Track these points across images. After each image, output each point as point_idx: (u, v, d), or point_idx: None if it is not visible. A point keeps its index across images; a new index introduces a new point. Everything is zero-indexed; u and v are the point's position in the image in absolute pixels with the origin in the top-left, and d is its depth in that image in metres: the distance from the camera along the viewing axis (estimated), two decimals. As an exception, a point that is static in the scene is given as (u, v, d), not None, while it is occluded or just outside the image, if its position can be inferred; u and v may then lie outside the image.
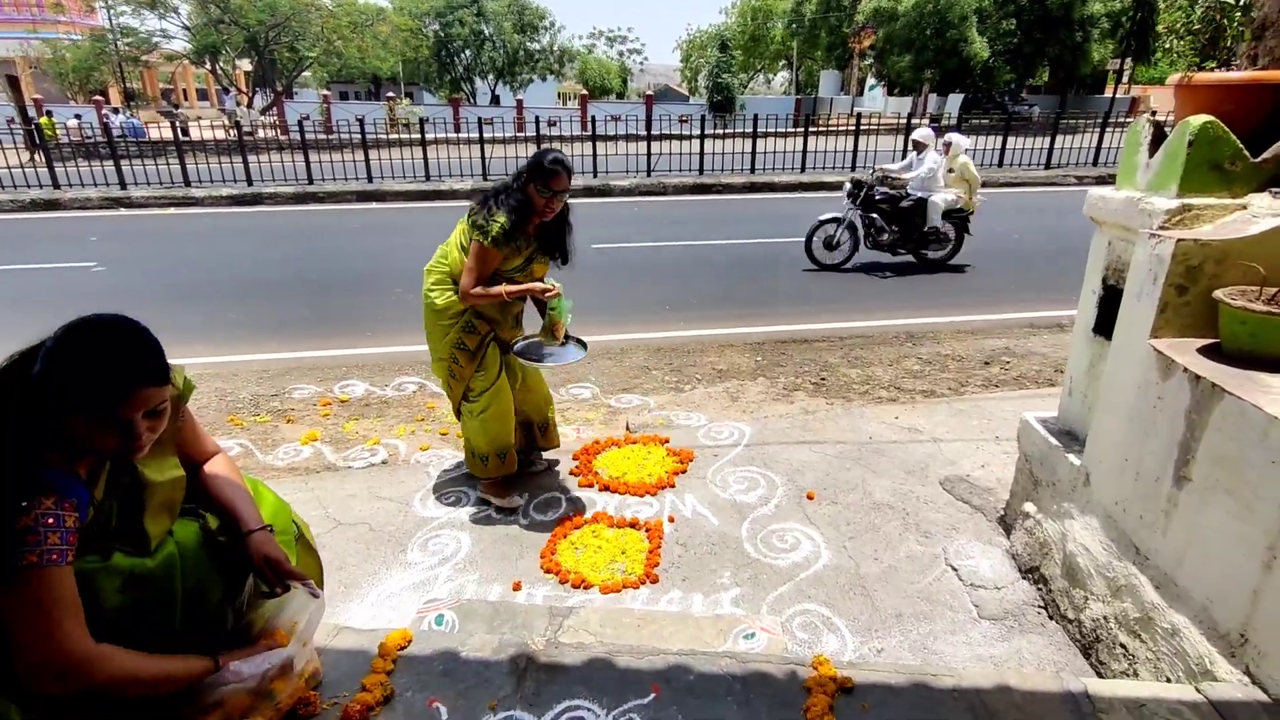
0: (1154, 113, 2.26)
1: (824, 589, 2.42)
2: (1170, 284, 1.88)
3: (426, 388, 4.32)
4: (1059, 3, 24.49)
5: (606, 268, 7.21)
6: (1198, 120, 1.91)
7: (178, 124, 14.42)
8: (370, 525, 2.78)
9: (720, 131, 14.69)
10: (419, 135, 12.63)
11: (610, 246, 8.16)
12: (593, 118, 13.23)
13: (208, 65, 27.33)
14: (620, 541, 2.64)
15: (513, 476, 2.95)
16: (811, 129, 13.51)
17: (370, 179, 12.07)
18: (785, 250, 8.09)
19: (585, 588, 2.40)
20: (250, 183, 11.68)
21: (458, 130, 16.61)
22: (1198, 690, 1.57)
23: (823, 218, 7.23)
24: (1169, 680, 1.75)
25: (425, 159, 12.36)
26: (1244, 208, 1.92)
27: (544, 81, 39.84)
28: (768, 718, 1.45)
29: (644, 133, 12.80)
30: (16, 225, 10.09)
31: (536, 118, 13.39)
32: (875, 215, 7.28)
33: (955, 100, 25.11)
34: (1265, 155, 1.93)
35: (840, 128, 14.82)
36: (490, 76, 37.57)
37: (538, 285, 2.66)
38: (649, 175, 12.55)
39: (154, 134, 13.75)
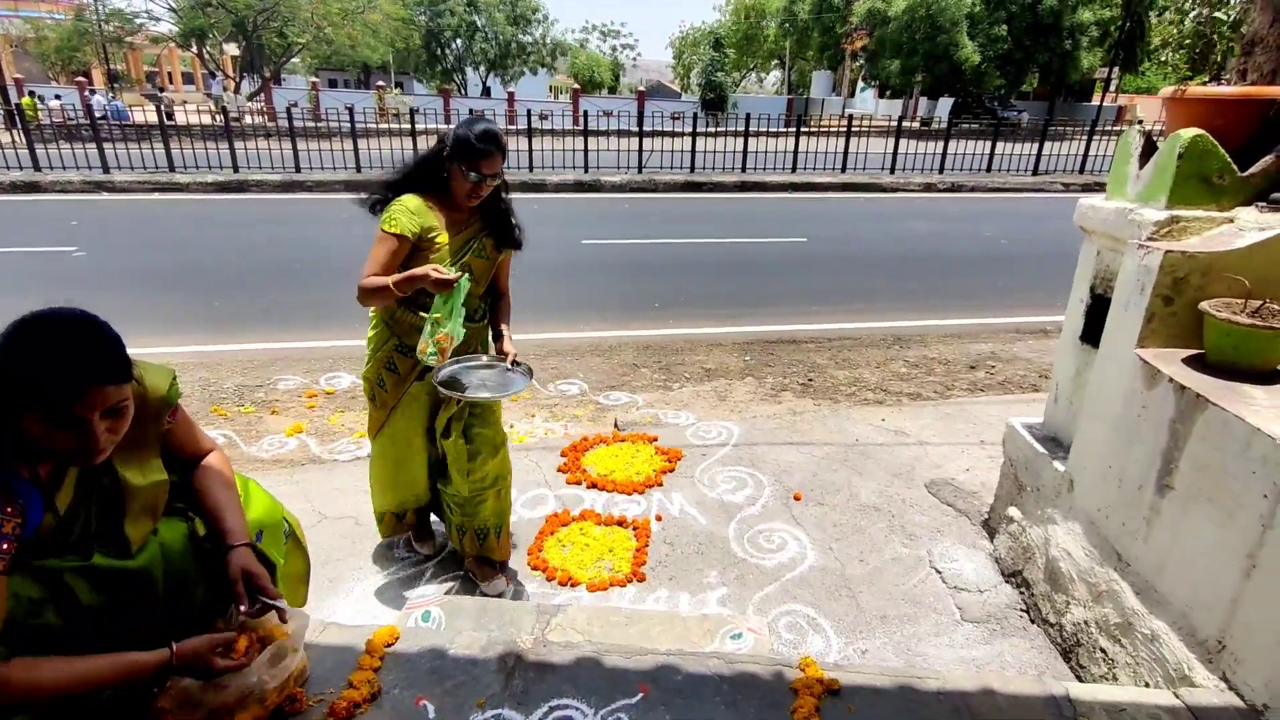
0: (1140, 122, 2.29)
1: (810, 590, 2.43)
2: (1157, 294, 1.91)
3: (414, 381, 4.29)
4: (1049, 9, 24.71)
5: (596, 264, 7.20)
6: (1188, 133, 1.94)
7: (162, 108, 14.19)
8: (356, 520, 2.76)
9: (712, 130, 14.69)
10: (409, 126, 12.52)
11: (600, 243, 8.14)
12: (585, 112, 13.20)
13: (194, 49, 26.93)
14: (608, 539, 2.64)
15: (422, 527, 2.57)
16: (803, 129, 13.55)
17: (359, 169, 11.95)
18: (775, 250, 8.12)
19: (572, 585, 2.40)
20: (236, 169, 11.53)
21: (448, 121, 16.51)
22: (1176, 696, 1.60)
23: None
24: (1148, 685, 1.78)
25: (415, 150, 12.23)
26: (1231, 221, 1.95)
27: (535, 75, 39.63)
28: (754, 719, 1.46)
29: (636, 129, 12.78)
30: (-5, 207, 9.90)
31: (528, 111, 13.32)
32: None
33: (945, 104, 25.30)
34: (1252, 170, 1.96)
35: (832, 129, 14.88)
36: (482, 68, 37.32)
37: (427, 268, 1.95)
38: (640, 172, 12.54)
39: (138, 117, 13.52)
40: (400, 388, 2.23)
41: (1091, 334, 2.28)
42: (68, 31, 24.81)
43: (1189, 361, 1.87)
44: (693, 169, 12.78)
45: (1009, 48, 25.13)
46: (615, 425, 3.73)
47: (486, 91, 36.28)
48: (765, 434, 3.54)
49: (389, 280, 1.98)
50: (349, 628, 1.69)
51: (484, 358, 2.25)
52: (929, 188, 12.45)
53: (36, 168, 11.22)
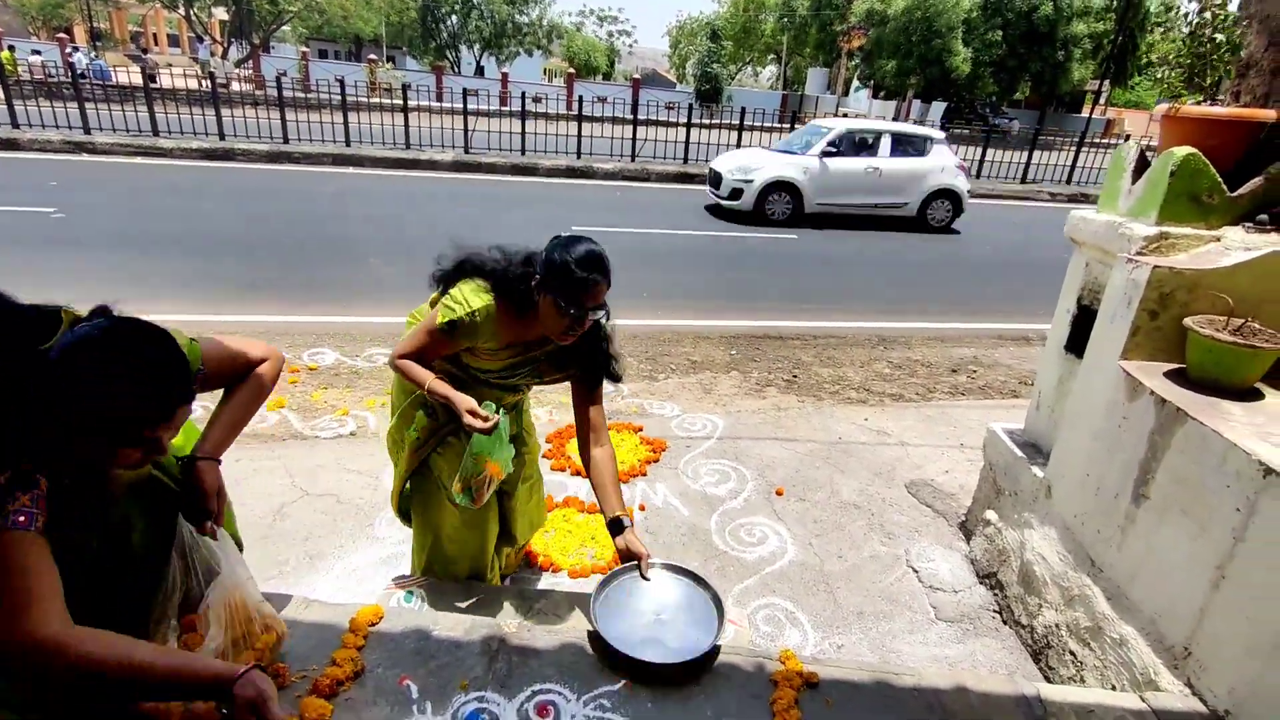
0: (1128, 136, 2.33)
1: (788, 584, 2.46)
2: (1143, 308, 1.95)
3: (399, 361, 4.25)
4: (1045, 19, 24.90)
5: (586, 251, 7.17)
6: (1181, 151, 1.97)
7: (146, 69, 13.86)
8: (338, 497, 2.74)
9: (706, 122, 14.65)
10: (400, 101, 12.35)
11: (589, 229, 8.11)
12: (579, 97, 13.09)
13: (181, 10, 26.28)
14: (590, 527, 2.65)
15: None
16: (797, 125, 13.56)
17: (348, 142, 11.78)
18: (766, 246, 8.14)
19: (554, 571, 2.41)
20: (222, 137, 11.31)
21: (440, 99, 16.30)
22: (1142, 699, 1.65)
23: None
24: (1114, 688, 1.83)
25: (406, 126, 12.10)
26: (1218, 239, 1.99)
27: (530, 56, 39.19)
28: (735, 709, 1.48)
29: (630, 116, 12.71)
30: (-31, 163, 9.63)
31: (523, 93, 13.19)
32: None
33: (938, 108, 25.43)
34: (1241, 190, 2.00)
35: (825, 127, 14.87)
36: (476, 47, 36.83)
37: (465, 404, 1.69)
38: (633, 160, 12.48)
39: (121, 78, 13.18)
40: (418, 453, 1.94)
41: (1076, 344, 2.32)
42: (50, -15, 24.12)
43: (1171, 375, 1.91)
44: (686, 160, 12.74)
45: (1003, 54, 25.32)
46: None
47: (480, 71, 35.82)
48: (749, 428, 3.57)
49: (426, 382, 1.74)
50: (332, 605, 1.68)
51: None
52: (919, 191, 12.53)
53: (14, 124, 10.92)
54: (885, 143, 9.60)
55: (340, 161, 11.24)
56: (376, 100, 15.03)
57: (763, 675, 1.57)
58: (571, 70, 29.55)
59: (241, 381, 1.43)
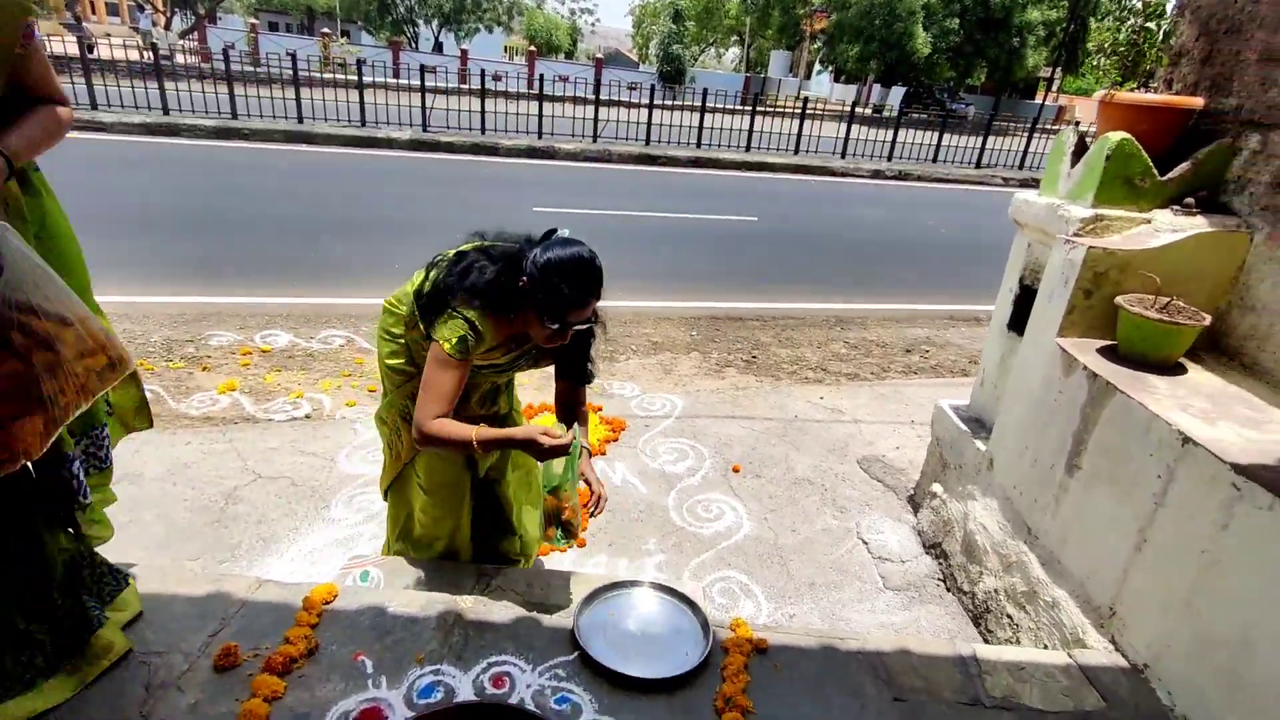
0: (1078, 123, 2.41)
1: (743, 557, 2.53)
2: (1079, 287, 2.03)
3: (355, 342, 4.19)
4: (1001, 5, 25.30)
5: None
6: (1116, 136, 2.05)
7: (84, 40, 13.19)
8: (292, 480, 2.71)
9: (669, 103, 14.60)
10: (355, 77, 12.01)
11: (552, 211, 8.05)
12: (540, 76, 12.90)
13: (120, -23, 25.00)
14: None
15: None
16: (759, 109, 13.60)
17: (300, 119, 11.43)
18: (726, 228, 8.19)
19: (513, 549, 2.42)
20: (166, 111, 10.86)
21: (397, 76, 15.89)
22: (1070, 656, 1.74)
23: None
24: (1046, 648, 1.93)
25: (361, 103, 11.78)
26: (1149, 221, 2.09)
27: (490, 33, 38.36)
28: (688, 673, 1.53)
29: (592, 96, 12.59)
30: (-110, 135, 9.07)
31: (482, 70, 12.94)
32: None
33: (898, 93, 25.74)
34: (1171, 175, 2.09)
35: (787, 110, 14.98)
36: (434, 22, 35.91)
37: (528, 433, 1.57)
38: (595, 141, 12.38)
39: (55, 48, 12.55)
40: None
41: (1018, 322, 2.41)
42: (-26, -54, 22.62)
43: (1103, 351, 2.01)
44: (648, 141, 12.69)
45: (960, 40, 25.70)
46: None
47: (439, 47, 34.95)
48: (708, 408, 3.62)
49: (473, 437, 1.52)
50: (286, 585, 1.68)
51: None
52: (877, 174, 12.72)
53: (-62, 95, 10.30)
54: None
55: (292, 139, 10.90)
56: (330, 76, 14.58)
57: (715, 643, 1.61)
58: (533, 48, 29.05)
59: (44, 107, 1.38)
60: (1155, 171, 2.08)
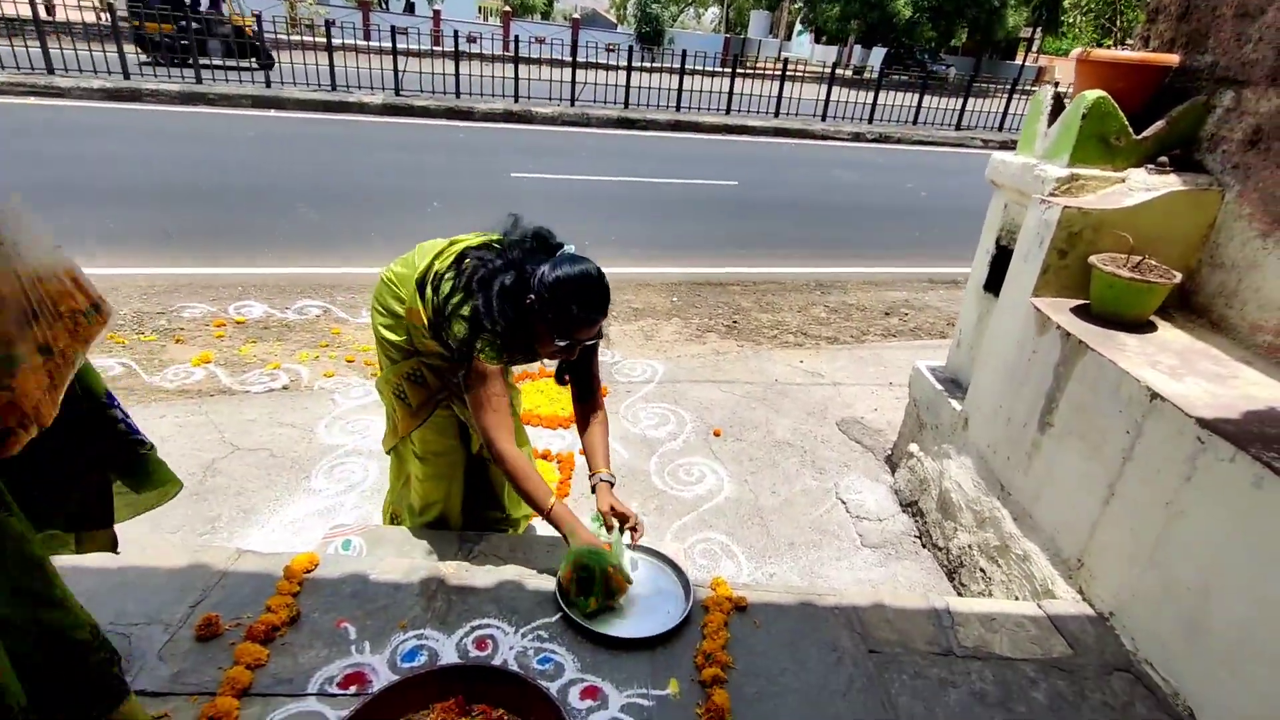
0: (1058, 83, 2.40)
1: (724, 519, 2.56)
2: (1054, 247, 2.05)
3: (331, 312, 4.13)
4: (982, -36, 25.00)
5: (525, 198, 7.02)
6: (1092, 95, 2.05)
7: (39, 1, 12.61)
8: (271, 451, 2.69)
9: (648, 65, 14.33)
10: (324, 39, 11.64)
11: (530, 176, 7.93)
12: (515, 37, 12.59)
13: (71, -67, 23.83)
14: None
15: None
16: (739, 71, 13.41)
17: (269, 83, 11.08)
18: (707, 192, 8.13)
19: (496, 516, 2.44)
20: (127, 76, 10.46)
21: (367, 38, 15.43)
22: (1039, 606, 1.80)
23: None
24: (1017, 599, 1.99)
25: (331, 66, 11.43)
26: (1123, 181, 2.10)
27: (464, -8, 37.26)
28: (669, 632, 1.55)
29: (569, 59, 12.31)
30: None
31: (455, 32, 12.58)
32: None
33: (879, 54, 25.48)
34: (1146, 133, 2.10)
35: (767, 72, 14.78)
36: (405, -19, 34.75)
37: (585, 538, 1.62)
38: (573, 105, 12.15)
39: (8, 9, 12.01)
40: (415, 417, 1.88)
41: (994, 283, 2.43)
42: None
43: (1076, 311, 2.03)
44: (626, 104, 12.48)
45: (941, 0, 25.39)
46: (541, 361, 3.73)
47: (410, 8, 33.90)
48: (688, 373, 3.63)
49: (550, 506, 1.61)
50: (266, 555, 1.67)
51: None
52: (858, 137, 12.64)
53: (-117, 59, 9.85)
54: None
55: (260, 104, 10.58)
56: (298, 38, 14.11)
57: (695, 603, 1.64)
58: (508, 9, 28.28)
59: None
60: (1130, 130, 2.08)
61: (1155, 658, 1.61)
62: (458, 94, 11.79)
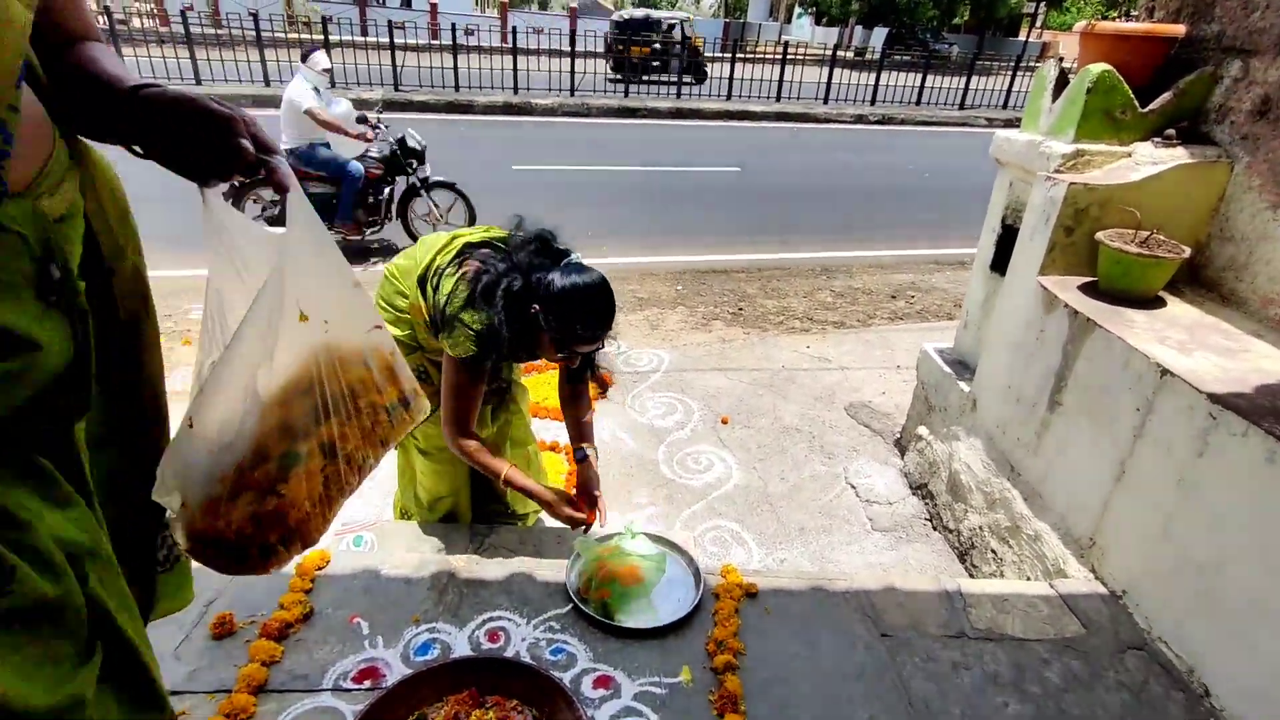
0: (1062, 59, 2.37)
1: (734, 506, 2.56)
2: (1060, 224, 2.03)
3: (337, 310, 4.14)
4: (983, -60, 24.69)
5: (527, 191, 7.01)
6: (1097, 68, 2.02)
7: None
8: (281, 450, 2.70)
9: (647, 52, 14.22)
10: (321, 36, 11.61)
11: (531, 169, 7.90)
12: (513, 29, 12.51)
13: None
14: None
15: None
16: (739, 55, 13.30)
17: (267, 82, 11.06)
18: (710, 179, 8.09)
19: (505, 508, 2.45)
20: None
21: (365, 33, 15.37)
22: (1051, 586, 1.79)
23: None
24: (1029, 579, 1.98)
25: (331, 70, 11.41)
26: (1129, 155, 2.07)
27: (460, -15, 37.07)
28: (680, 620, 1.56)
29: (568, 49, 12.24)
30: None
31: (453, 25, 12.52)
32: None
33: (880, 34, 25.21)
34: (1152, 106, 2.07)
35: (767, 56, 14.65)
36: (401, -25, 34.60)
37: (559, 505, 1.72)
38: (572, 95, 12.09)
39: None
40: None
41: (1000, 263, 2.41)
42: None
43: (1084, 288, 2.01)
44: (626, 93, 12.41)
45: (943, -23, 25.11)
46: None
47: (407, 2, 33.80)
48: (694, 361, 3.62)
49: (502, 474, 1.66)
50: (278, 552, 1.69)
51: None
52: (860, 119, 12.52)
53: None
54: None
55: (260, 103, 10.56)
56: (295, 36, 14.09)
57: (706, 590, 1.64)
58: (505, 0, 28.10)
59: (103, 46, 0.81)
60: (1136, 103, 2.05)
61: (1169, 635, 1.60)
62: (456, 87, 11.76)
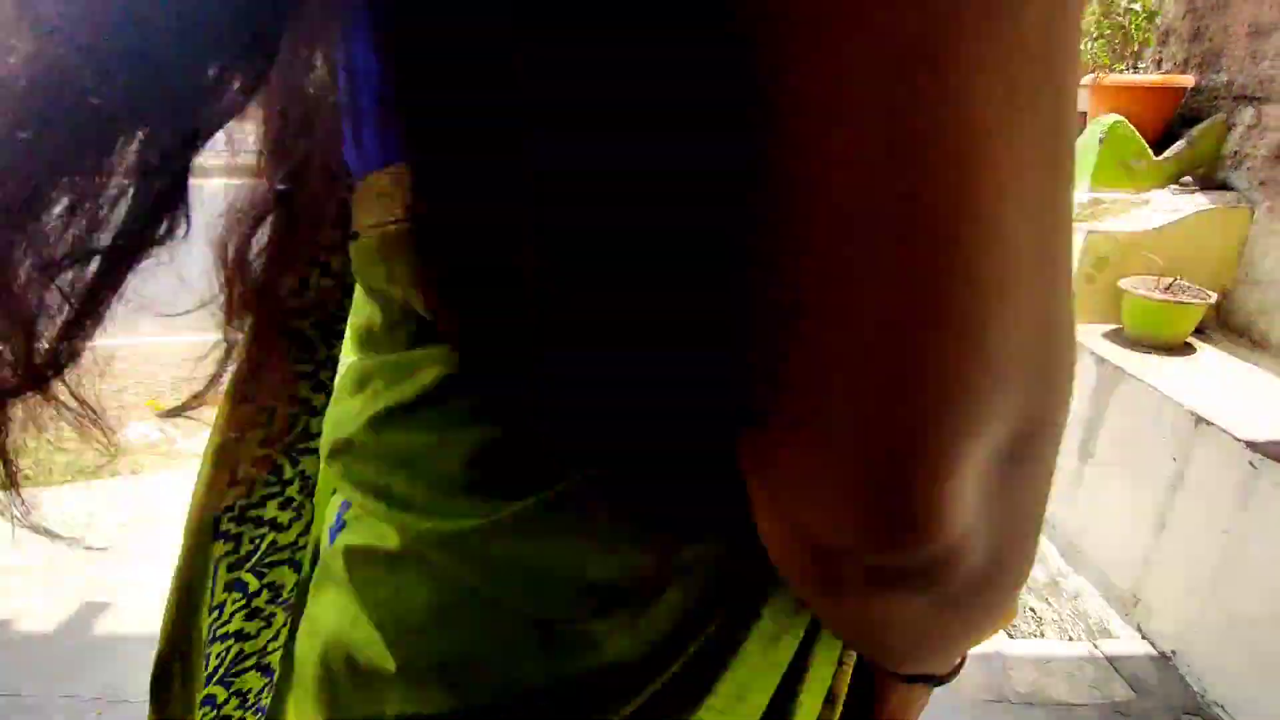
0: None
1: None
2: (1081, 273, 2.02)
3: (362, 369, 4.21)
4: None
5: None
6: (1109, 119, 2.05)
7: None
8: (305, 510, 2.71)
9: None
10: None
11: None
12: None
13: None
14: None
15: None
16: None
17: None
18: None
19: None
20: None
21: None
22: (1095, 646, 1.72)
23: None
24: (1071, 639, 1.90)
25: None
26: (1147, 202, 2.07)
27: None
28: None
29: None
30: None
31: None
32: None
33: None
34: (1166, 155, 2.08)
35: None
36: None
37: None
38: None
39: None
40: None
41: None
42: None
43: (1110, 336, 1.99)
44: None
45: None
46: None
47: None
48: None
49: None
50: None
51: None
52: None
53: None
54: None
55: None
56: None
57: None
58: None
59: None
60: (1151, 152, 2.07)
61: (1225, 698, 1.51)
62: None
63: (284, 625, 0.46)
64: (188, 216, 0.33)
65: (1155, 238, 1.98)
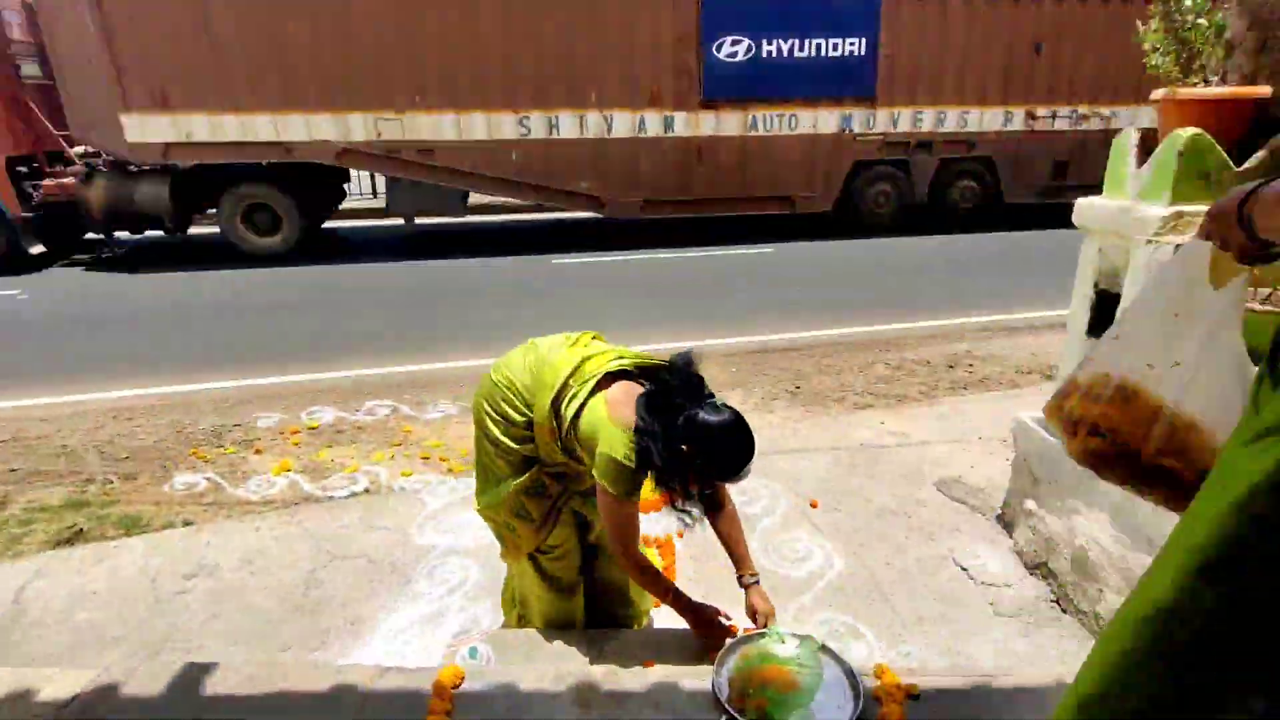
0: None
1: (843, 596, 2.43)
2: (1173, 286, 1.99)
3: (400, 410, 4.16)
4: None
5: (569, 284, 7.17)
6: (1187, 133, 2.04)
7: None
8: (369, 557, 2.64)
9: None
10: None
11: (570, 261, 8.12)
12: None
13: None
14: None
15: None
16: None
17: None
18: (743, 261, 8.22)
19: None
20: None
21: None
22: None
23: None
24: (1196, 664, 1.83)
25: (372, 177, 12.01)
26: (1232, 214, 2.05)
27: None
28: (844, 730, 1.44)
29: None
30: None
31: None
32: None
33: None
34: (1247, 165, 2.07)
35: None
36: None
37: (714, 625, 1.83)
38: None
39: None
40: (538, 532, 1.85)
41: (1098, 328, 2.36)
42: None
43: (1207, 349, 1.95)
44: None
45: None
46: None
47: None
48: (768, 443, 3.54)
49: (669, 589, 1.81)
50: (410, 671, 1.60)
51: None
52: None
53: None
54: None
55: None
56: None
57: (866, 693, 1.53)
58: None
59: None
60: (1231, 164, 2.06)
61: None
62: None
63: None
64: None
65: (1246, 248, 1.95)
